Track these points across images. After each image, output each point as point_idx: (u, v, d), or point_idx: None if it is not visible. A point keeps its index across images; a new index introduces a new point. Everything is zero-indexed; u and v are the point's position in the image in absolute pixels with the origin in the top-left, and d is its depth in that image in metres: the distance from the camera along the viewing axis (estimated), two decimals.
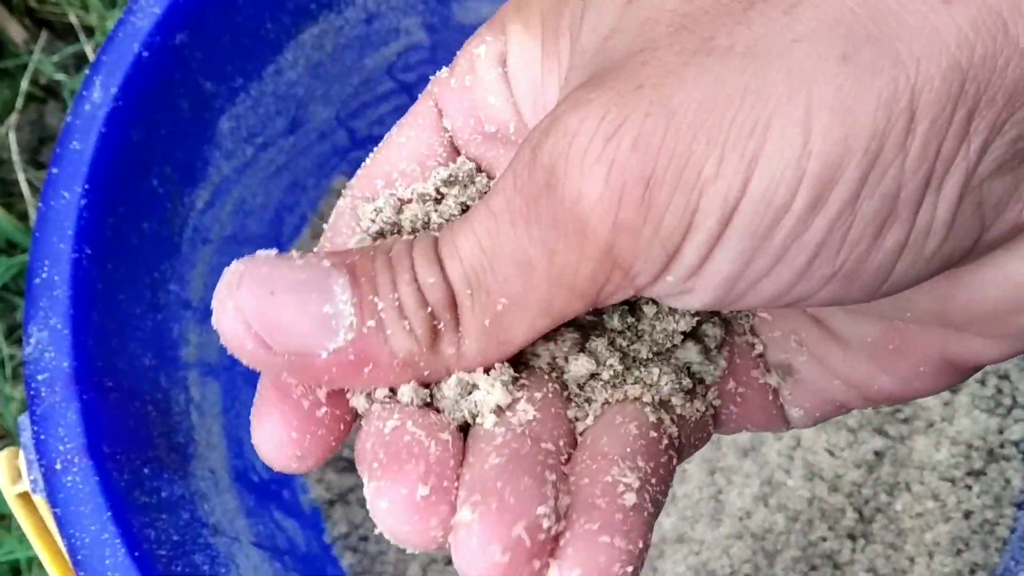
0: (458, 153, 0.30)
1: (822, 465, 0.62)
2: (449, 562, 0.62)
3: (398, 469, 0.22)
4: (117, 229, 0.47)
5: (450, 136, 0.29)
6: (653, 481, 0.23)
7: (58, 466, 0.40)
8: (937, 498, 0.60)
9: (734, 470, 0.62)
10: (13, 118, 0.78)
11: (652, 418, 0.25)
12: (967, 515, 0.60)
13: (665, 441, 0.25)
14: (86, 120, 0.45)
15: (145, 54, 0.47)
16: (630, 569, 0.21)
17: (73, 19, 0.80)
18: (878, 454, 0.62)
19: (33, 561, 0.66)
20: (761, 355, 0.29)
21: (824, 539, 0.60)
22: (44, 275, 0.43)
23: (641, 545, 0.22)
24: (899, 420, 0.63)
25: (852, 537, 0.60)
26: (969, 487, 0.61)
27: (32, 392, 0.41)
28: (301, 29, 0.56)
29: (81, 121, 0.45)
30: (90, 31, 0.80)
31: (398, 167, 0.29)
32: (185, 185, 0.52)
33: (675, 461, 0.25)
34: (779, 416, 0.29)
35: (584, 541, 0.21)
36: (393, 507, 0.22)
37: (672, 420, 0.26)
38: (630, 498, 0.22)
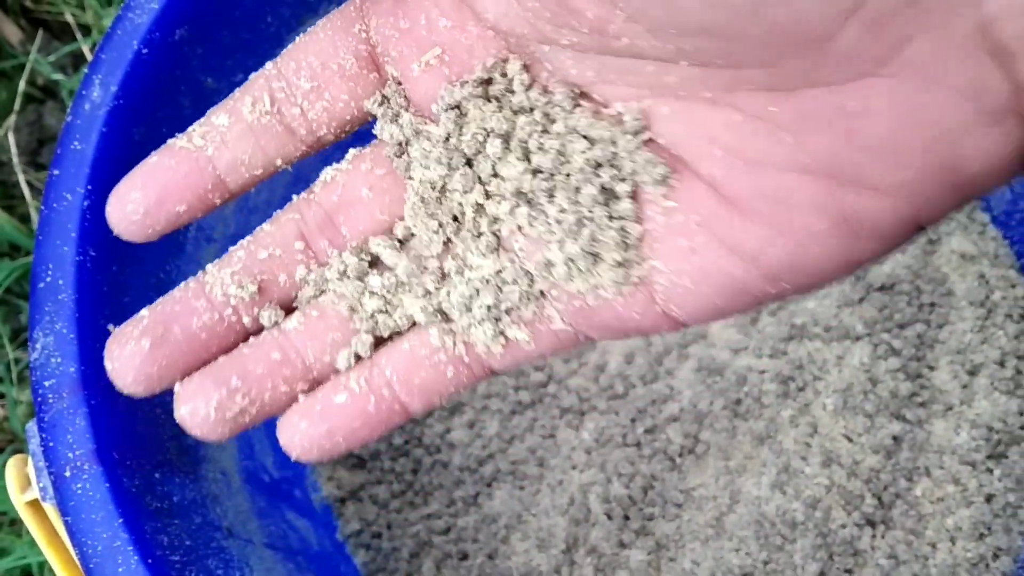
0: (370, 56, 0.31)
1: (840, 451, 0.61)
2: (464, 557, 0.61)
3: None
4: None
5: (366, 36, 0.31)
6: None
7: (67, 473, 0.39)
8: (958, 482, 0.60)
9: (749, 458, 0.62)
10: (11, 119, 0.77)
11: None
12: (989, 499, 0.59)
13: None
14: (86, 120, 0.44)
15: (145, 51, 0.46)
16: None
17: (69, 18, 0.79)
18: (896, 439, 0.61)
19: (44, 566, 0.65)
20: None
21: (843, 526, 0.59)
22: (48, 279, 0.42)
23: None
24: (917, 404, 0.62)
25: (872, 524, 0.60)
26: (990, 470, 0.60)
27: (39, 399, 0.40)
28: (302, 21, 0.55)
29: (81, 121, 0.45)
30: (87, 30, 0.79)
31: (306, 59, 0.32)
32: None
33: None
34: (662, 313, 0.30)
35: None
36: None
37: None
38: None
